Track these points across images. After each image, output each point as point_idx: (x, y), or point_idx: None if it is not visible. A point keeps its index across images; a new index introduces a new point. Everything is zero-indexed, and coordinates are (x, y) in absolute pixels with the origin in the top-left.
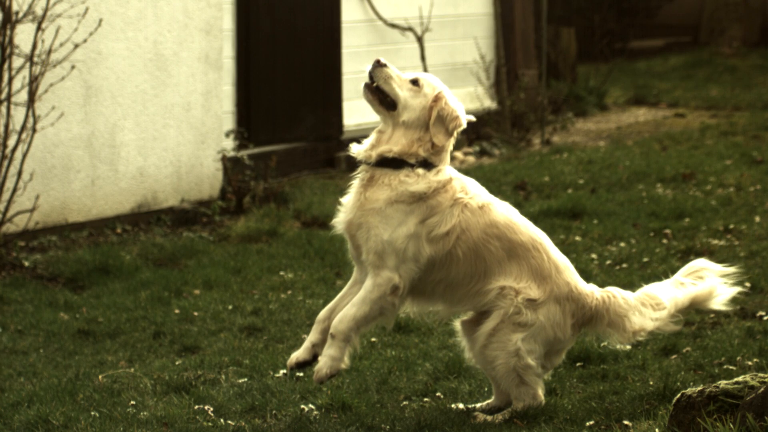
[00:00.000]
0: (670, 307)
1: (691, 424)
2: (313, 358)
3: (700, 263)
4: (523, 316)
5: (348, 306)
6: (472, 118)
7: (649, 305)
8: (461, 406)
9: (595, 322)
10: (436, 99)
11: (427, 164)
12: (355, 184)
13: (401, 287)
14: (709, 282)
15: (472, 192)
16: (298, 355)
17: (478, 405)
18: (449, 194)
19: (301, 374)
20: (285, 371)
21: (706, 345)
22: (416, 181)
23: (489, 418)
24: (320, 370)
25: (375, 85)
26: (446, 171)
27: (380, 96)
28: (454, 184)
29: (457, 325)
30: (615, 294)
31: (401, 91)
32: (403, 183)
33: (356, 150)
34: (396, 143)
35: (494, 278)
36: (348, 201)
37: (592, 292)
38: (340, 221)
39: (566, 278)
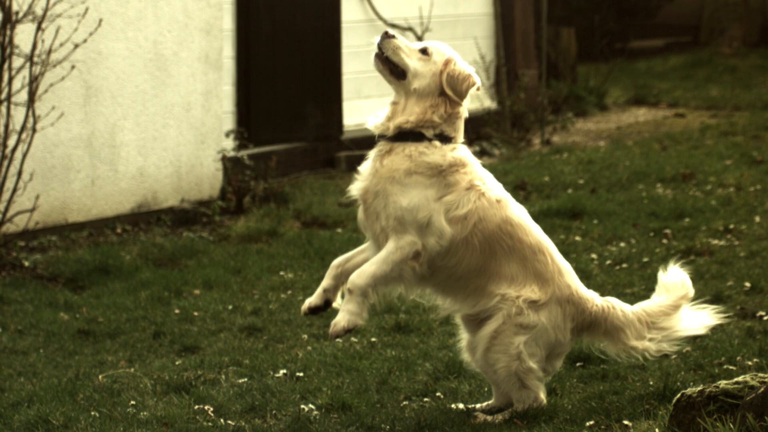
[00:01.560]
0: (671, 330)
1: (691, 424)
2: (325, 305)
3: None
4: (525, 317)
5: (367, 264)
6: (480, 84)
7: (645, 323)
8: (461, 406)
9: (592, 329)
10: (446, 63)
11: (443, 138)
12: (373, 154)
13: (423, 255)
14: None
15: (490, 184)
16: (310, 301)
17: (478, 405)
18: (467, 177)
19: (301, 374)
20: (285, 372)
21: (706, 345)
22: (432, 152)
23: (489, 418)
24: (337, 324)
25: (385, 55)
26: (462, 149)
27: (390, 66)
28: (474, 169)
29: (458, 319)
30: (614, 305)
31: (410, 60)
32: (422, 154)
33: (373, 123)
34: (411, 112)
35: (499, 280)
36: (365, 169)
37: (592, 298)
38: (356, 188)
39: (568, 281)
